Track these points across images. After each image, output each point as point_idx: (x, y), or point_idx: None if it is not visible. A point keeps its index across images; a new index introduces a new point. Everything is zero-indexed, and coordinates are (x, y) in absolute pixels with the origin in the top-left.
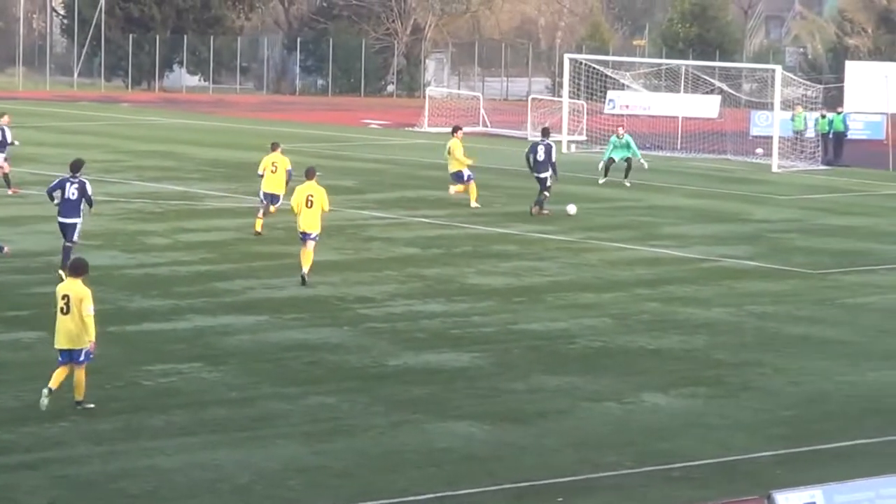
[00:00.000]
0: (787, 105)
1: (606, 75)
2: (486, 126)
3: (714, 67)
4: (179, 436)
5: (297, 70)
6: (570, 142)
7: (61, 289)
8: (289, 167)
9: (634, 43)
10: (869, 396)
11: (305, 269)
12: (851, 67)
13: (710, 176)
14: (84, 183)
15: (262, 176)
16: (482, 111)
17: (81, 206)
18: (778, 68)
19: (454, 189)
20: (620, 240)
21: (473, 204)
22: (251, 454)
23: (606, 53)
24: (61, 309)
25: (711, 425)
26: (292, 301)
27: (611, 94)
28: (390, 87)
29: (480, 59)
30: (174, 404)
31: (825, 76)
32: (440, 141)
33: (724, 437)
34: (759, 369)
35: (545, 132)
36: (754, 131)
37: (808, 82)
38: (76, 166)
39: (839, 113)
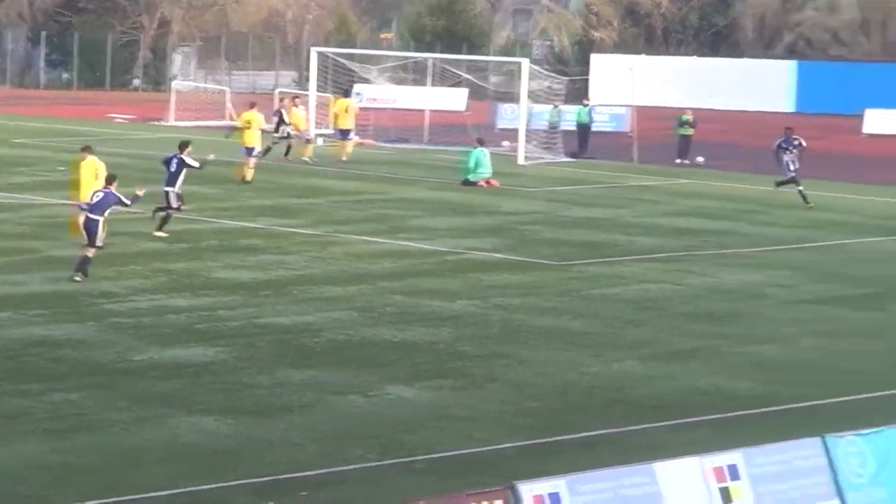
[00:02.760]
0: (535, 98)
1: (353, 69)
2: (232, 119)
3: (461, 60)
4: None
5: (42, 64)
6: (317, 135)
7: None
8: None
9: (382, 36)
10: (613, 387)
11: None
12: (597, 60)
13: (457, 168)
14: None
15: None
16: (229, 104)
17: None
18: (524, 61)
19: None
20: (366, 233)
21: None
22: None
23: (354, 47)
24: None
25: (456, 417)
26: (35, 297)
27: (358, 87)
28: (136, 81)
29: (227, 53)
30: None
31: (572, 69)
32: (188, 135)
33: (469, 428)
34: (505, 361)
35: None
36: (501, 124)
37: (554, 75)
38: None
39: (585, 105)
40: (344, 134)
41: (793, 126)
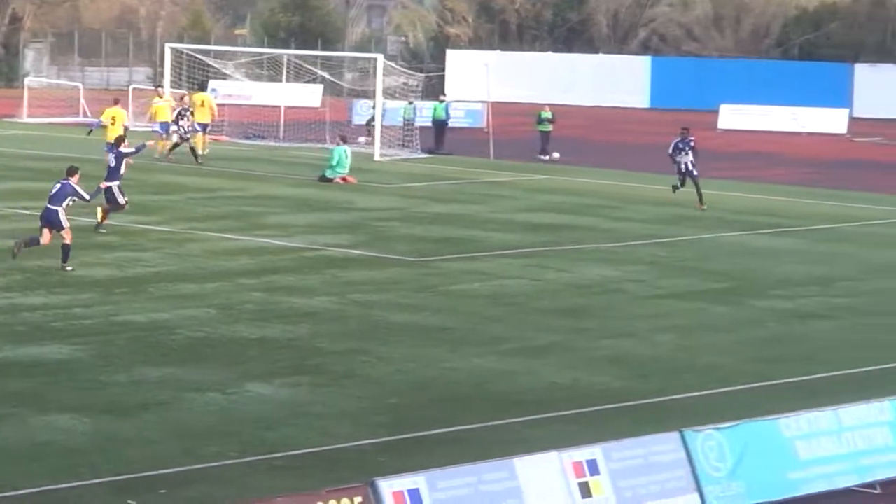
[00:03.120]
0: (391, 94)
1: (209, 65)
2: (87, 116)
3: (316, 57)
4: None
5: None
6: (173, 131)
7: None
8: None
9: (236, 32)
10: (471, 382)
11: None
12: (453, 56)
13: (313, 165)
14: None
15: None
16: (83, 101)
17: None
18: (379, 57)
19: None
20: (224, 230)
21: None
22: None
23: (208, 43)
24: None
25: (315, 414)
26: None
27: (213, 83)
28: None
29: (81, 49)
30: None
31: (427, 65)
32: (40, 132)
33: (328, 425)
34: (363, 357)
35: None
36: (356, 120)
37: (409, 71)
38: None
39: (441, 101)
40: (201, 128)
41: (688, 127)
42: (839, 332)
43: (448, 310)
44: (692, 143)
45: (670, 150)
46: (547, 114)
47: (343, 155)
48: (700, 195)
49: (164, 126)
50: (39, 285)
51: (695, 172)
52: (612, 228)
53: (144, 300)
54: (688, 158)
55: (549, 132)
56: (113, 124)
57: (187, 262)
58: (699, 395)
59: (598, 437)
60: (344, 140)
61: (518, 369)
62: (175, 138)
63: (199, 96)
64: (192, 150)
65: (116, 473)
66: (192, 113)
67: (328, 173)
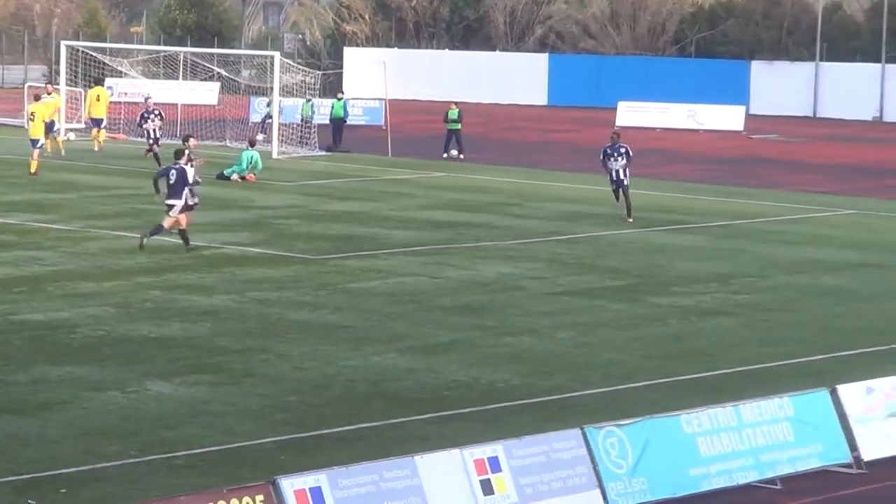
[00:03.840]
0: (287, 92)
1: (104, 62)
2: None
3: (213, 54)
4: None
5: None
6: (68, 129)
7: None
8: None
9: (132, 30)
10: (372, 380)
11: None
12: (350, 54)
13: (211, 163)
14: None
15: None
16: None
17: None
18: (276, 55)
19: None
20: (121, 228)
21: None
22: None
23: (104, 40)
24: None
25: (216, 412)
26: None
27: (109, 80)
28: None
29: None
30: None
31: (324, 62)
32: None
33: (229, 423)
34: (263, 355)
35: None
36: (254, 117)
37: (306, 69)
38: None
39: (339, 99)
40: (97, 123)
41: (619, 132)
42: (740, 328)
43: (348, 308)
44: (623, 149)
45: (601, 157)
46: (454, 112)
47: (250, 160)
48: (629, 209)
49: (95, 122)
50: None
51: (625, 182)
52: (512, 226)
53: (43, 299)
54: (618, 165)
55: (457, 130)
56: (33, 120)
57: (85, 260)
58: (600, 391)
59: (500, 434)
60: (252, 144)
61: (418, 367)
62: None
63: (94, 91)
64: (156, 155)
65: (16, 473)
66: (160, 116)
67: (226, 171)
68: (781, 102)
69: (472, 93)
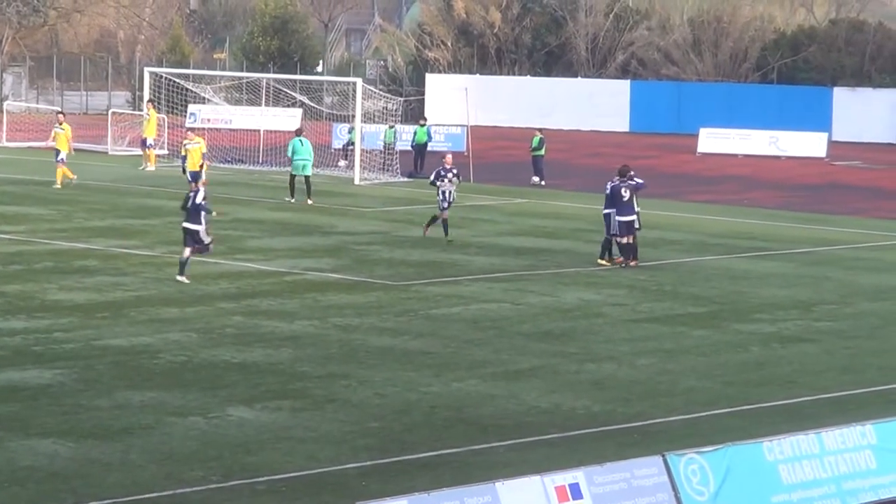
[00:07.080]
0: (369, 118)
1: (187, 88)
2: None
3: (295, 81)
4: None
5: None
6: (157, 155)
7: None
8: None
9: (215, 56)
10: (454, 406)
11: None
12: (432, 80)
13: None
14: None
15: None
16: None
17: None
18: (358, 81)
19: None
20: (205, 254)
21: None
22: None
23: (187, 67)
24: None
25: (297, 438)
26: None
27: (192, 107)
28: None
29: (59, 73)
30: None
31: (406, 89)
32: (20, 156)
33: (311, 449)
34: (345, 381)
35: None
36: (336, 144)
37: (388, 95)
38: None
39: (422, 125)
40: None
41: (628, 164)
42: (822, 355)
43: (429, 334)
44: (633, 183)
45: (608, 190)
46: (535, 139)
47: (297, 146)
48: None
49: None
50: (20, 310)
51: (636, 225)
52: (593, 252)
53: (125, 324)
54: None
55: (541, 156)
56: (54, 140)
57: (167, 286)
58: (682, 418)
59: (581, 460)
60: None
61: (500, 393)
62: None
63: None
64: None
65: (99, 498)
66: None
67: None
68: (864, 129)
69: (553, 119)
